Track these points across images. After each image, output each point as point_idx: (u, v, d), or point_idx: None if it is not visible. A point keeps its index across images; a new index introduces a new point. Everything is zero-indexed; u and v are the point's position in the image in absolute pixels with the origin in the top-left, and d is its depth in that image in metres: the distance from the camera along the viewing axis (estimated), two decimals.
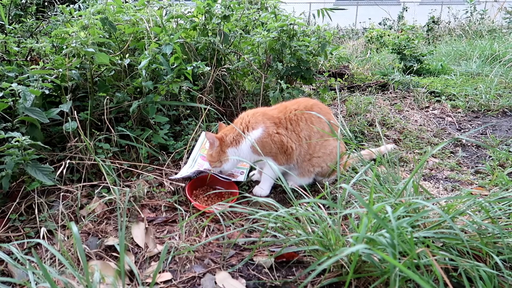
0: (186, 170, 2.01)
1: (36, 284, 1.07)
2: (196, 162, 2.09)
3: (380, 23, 10.24)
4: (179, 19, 2.79)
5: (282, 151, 1.82)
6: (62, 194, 1.72)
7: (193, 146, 2.18)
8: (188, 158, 2.12)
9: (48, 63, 2.18)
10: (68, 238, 1.49)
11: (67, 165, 1.78)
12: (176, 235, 1.55)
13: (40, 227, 1.50)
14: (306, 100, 1.98)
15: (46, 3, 3.72)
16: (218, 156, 1.85)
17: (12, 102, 1.75)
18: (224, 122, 2.06)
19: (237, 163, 1.92)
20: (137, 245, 1.48)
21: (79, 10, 2.83)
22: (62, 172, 1.77)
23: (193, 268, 1.36)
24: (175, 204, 1.76)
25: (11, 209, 1.64)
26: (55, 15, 2.83)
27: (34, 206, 1.66)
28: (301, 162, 1.88)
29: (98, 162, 1.80)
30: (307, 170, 1.89)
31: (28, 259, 1.32)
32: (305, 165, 1.88)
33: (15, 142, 1.60)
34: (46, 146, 1.79)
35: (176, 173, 2.02)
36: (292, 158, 1.84)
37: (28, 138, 1.63)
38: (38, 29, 2.97)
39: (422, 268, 1.05)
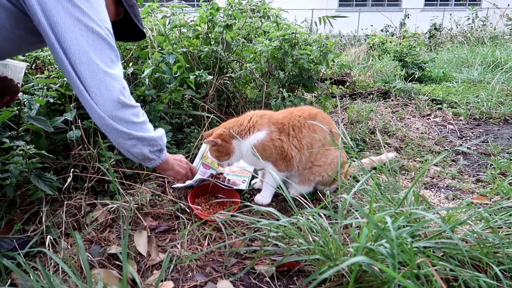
0: None
1: None
2: (199, 170, 2.10)
3: (382, 30, 10.27)
4: (182, 27, 2.82)
5: (282, 157, 1.83)
6: (65, 202, 1.74)
7: (196, 154, 2.20)
8: None
9: (52, 71, 2.21)
10: (71, 246, 1.51)
11: (71, 175, 1.79)
12: (178, 243, 1.56)
13: (46, 236, 1.51)
14: (310, 108, 2.00)
15: None
16: (226, 150, 1.85)
17: (17, 111, 1.78)
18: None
19: (241, 157, 1.92)
20: (139, 253, 1.49)
21: None
22: (65, 180, 1.79)
23: (195, 277, 1.37)
24: (177, 213, 1.78)
25: (16, 217, 1.66)
26: None
27: (38, 214, 1.68)
28: (302, 170, 1.89)
29: (103, 170, 1.82)
30: (307, 178, 1.89)
31: (32, 267, 1.34)
32: (306, 172, 1.89)
33: (19, 150, 1.62)
34: (50, 155, 1.81)
35: None
36: (292, 164, 1.86)
37: (32, 146, 1.65)
38: None
39: (422, 278, 1.06)
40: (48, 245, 1.45)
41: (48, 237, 1.48)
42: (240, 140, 1.84)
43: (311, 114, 1.90)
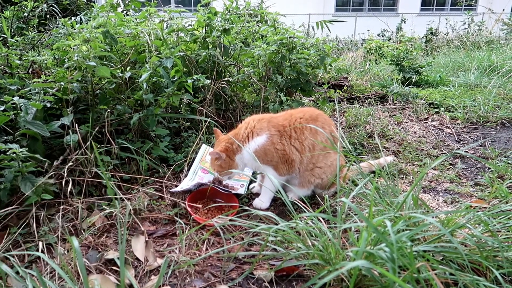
0: (187, 182, 2.02)
1: None
2: (197, 174, 2.10)
3: (378, 34, 10.31)
4: (179, 32, 2.82)
5: (283, 160, 1.82)
6: (62, 207, 1.72)
7: (194, 159, 2.19)
8: (188, 170, 2.13)
9: (49, 76, 2.20)
10: (68, 251, 1.49)
11: (69, 180, 1.78)
12: (176, 248, 1.55)
13: (41, 241, 1.50)
14: (312, 109, 1.98)
15: (47, 16, 3.76)
16: (228, 166, 1.85)
17: (13, 115, 1.76)
18: (220, 130, 2.06)
19: (244, 167, 1.92)
20: (137, 258, 1.48)
21: (80, 23, 2.86)
22: (61, 184, 1.77)
23: (193, 282, 1.35)
24: (175, 217, 1.76)
25: (12, 223, 1.64)
26: (57, 27, 2.87)
27: (33, 219, 1.66)
28: (303, 171, 1.88)
29: (101, 174, 1.81)
30: (307, 180, 1.88)
31: (29, 273, 1.32)
32: (306, 174, 1.88)
33: (11, 153, 1.59)
34: (45, 160, 1.79)
35: (176, 186, 2.02)
36: (293, 167, 1.85)
37: (26, 150, 1.63)
38: (39, 41, 3.00)
39: (422, 282, 1.05)
40: (44, 251, 1.44)
41: (42, 242, 1.46)
42: (242, 153, 1.83)
43: (312, 115, 1.89)
